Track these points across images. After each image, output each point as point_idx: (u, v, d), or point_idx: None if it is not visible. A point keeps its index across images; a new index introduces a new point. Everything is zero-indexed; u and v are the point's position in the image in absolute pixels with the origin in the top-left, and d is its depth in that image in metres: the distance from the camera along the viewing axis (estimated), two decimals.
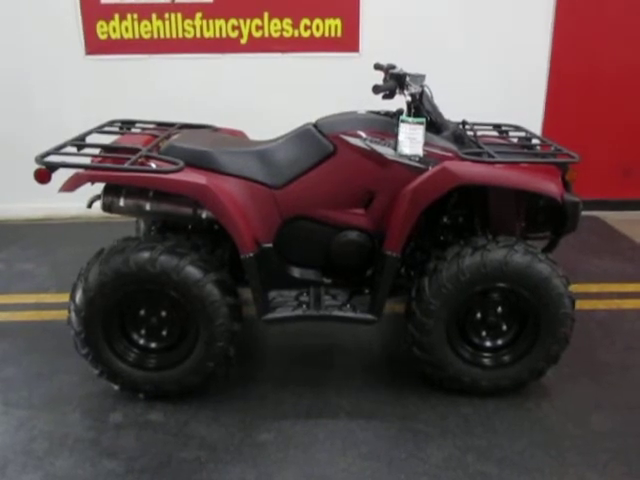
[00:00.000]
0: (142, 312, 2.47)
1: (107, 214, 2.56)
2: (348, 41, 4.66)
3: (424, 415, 2.45)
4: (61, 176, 2.31)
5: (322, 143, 2.48)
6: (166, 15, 4.56)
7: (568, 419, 2.43)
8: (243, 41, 4.65)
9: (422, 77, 2.40)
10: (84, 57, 4.64)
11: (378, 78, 2.69)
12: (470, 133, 2.73)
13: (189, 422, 2.41)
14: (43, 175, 2.29)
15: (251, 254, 2.39)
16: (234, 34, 4.62)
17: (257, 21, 4.59)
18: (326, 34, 4.63)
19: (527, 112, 4.71)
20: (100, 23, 4.56)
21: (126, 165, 2.28)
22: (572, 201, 2.42)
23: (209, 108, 4.41)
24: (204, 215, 2.46)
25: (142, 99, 4.59)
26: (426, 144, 2.38)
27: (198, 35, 4.61)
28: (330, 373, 2.76)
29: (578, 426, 2.39)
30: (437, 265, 2.39)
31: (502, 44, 4.70)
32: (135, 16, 4.56)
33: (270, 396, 2.57)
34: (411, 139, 2.36)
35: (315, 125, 2.53)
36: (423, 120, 2.37)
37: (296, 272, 2.60)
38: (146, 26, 4.59)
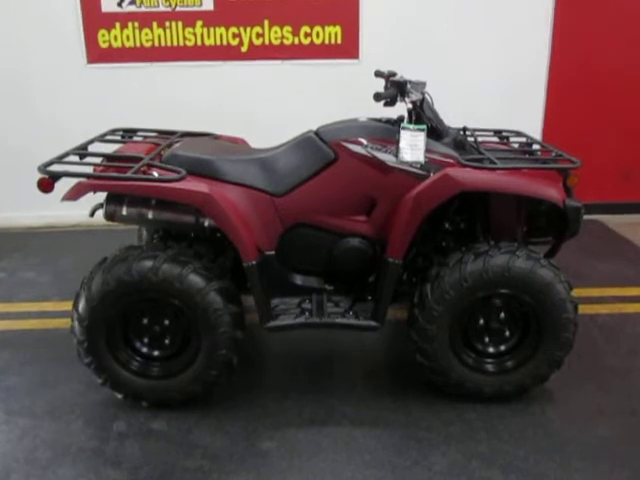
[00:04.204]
0: (145, 321, 2.47)
1: (109, 222, 2.57)
2: (348, 48, 4.68)
3: (427, 422, 2.44)
4: (64, 184, 2.32)
5: (323, 150, 2.48)
6: (167, 23, 4.58)
7: (572, 424, 2.43)
8: (244, 49, 4.67)
9: (423, 84, 2.41)
10: (85, 66, 4.66)
11: (378, 84, 2.70)
12: (471, 139, 2.73)
13: (192, 431, 2.40)
14: (46, 184, 2.30)
15: (253, 262, 2.40)
16: (235, 42, 4.65)
17: (257, 29, 4.61)
18: (326, 41, 4.65)
19: (527, 116, 4.74)
20: (101, 32, 4.58)
21: (128, 174, 2.28)
22: (573, 206, 2.42)
23: (210, 116, 4.43)
24: (206, 223, 2.46)
25: (143, 107, 4.61)
26: (427, 151, 2.39)
27: (199, 43, 4.64)
28: (333, 380, 2.75)
29: (582, 431, 2.39)
30: (439, 271, 2.39)
31: (501, 50, 4.71)
32: (136, 24, 4.58)
33: (273, 404, 2.57)
34: (412, 146, 2.37)
35: (316, 132, 2.54)
36: (424, 127, 2.38)
37: (298, 279, 2.60)
38: (147, 34, 4.61)
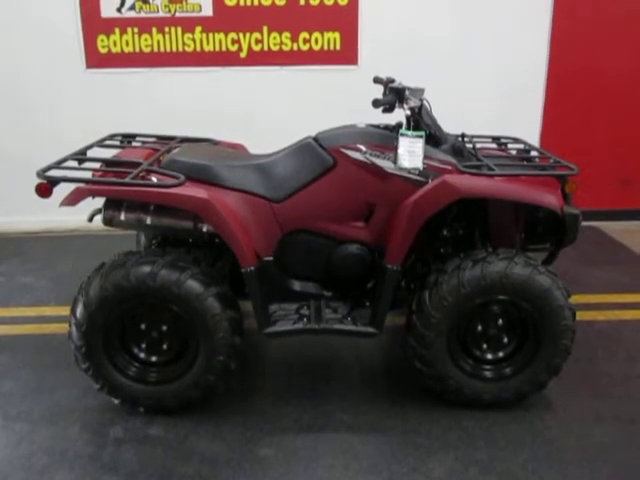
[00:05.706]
0: (143, 326, 2.46)
1: (108, 227, 2.57)
2: (347, 54, 4.69)
3: (425, 428, 2.44)
4: (62, 189, 2.32)
5: (322, 156, 2.49)
6: (166, 29, 4.60)
7: (570, 432, 2.43)
8: (243, 54, 4.68)
9: (421, 91, 2.42)
10: (85, 71, 4.67)
11: (377, 90, 2.71)
12: (469, 146, 2.74)
13: (189, 437, 2.40)
14: (44, 189, 2.30)
15: (252, 267, 2.40)
16: (234, 48, 4.66)
17: (256, 35, 4.63)
18: (325, 47, 4.67)
19: (525, 123, 4.75)
20: (101, 37, 4.60)
21: (127, 179, 2.29)
22: (571, 213, 2.43)
23: (209, 121, 4.43)
24: (205, 229, 2.46)
25: (142, 112, 4.61)
26: (425, 157, 2.39)
27: (198, 49, 4.65)
28: (331, 386, 2.75)
29: (580, 439, 2.38)
30: (437, 278, 2.39)
31: (499, 57, 4.73)
32: (135, 30, 4.59)
33: (271, 410, 2.57)
34: (410, 152, 2.38)
35: (315, 138, 2.54)
36: (422, 133, 2.39)
37: (297, 285, 2.60)
38: (146, 40, 4.62)
